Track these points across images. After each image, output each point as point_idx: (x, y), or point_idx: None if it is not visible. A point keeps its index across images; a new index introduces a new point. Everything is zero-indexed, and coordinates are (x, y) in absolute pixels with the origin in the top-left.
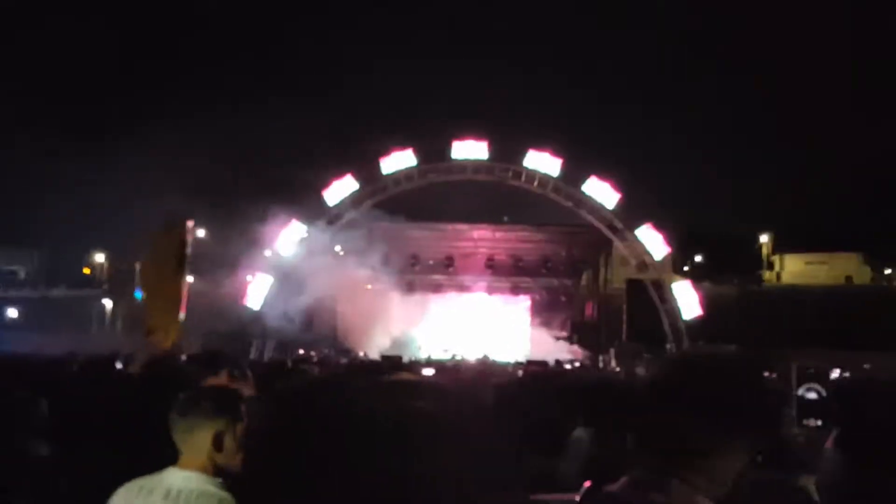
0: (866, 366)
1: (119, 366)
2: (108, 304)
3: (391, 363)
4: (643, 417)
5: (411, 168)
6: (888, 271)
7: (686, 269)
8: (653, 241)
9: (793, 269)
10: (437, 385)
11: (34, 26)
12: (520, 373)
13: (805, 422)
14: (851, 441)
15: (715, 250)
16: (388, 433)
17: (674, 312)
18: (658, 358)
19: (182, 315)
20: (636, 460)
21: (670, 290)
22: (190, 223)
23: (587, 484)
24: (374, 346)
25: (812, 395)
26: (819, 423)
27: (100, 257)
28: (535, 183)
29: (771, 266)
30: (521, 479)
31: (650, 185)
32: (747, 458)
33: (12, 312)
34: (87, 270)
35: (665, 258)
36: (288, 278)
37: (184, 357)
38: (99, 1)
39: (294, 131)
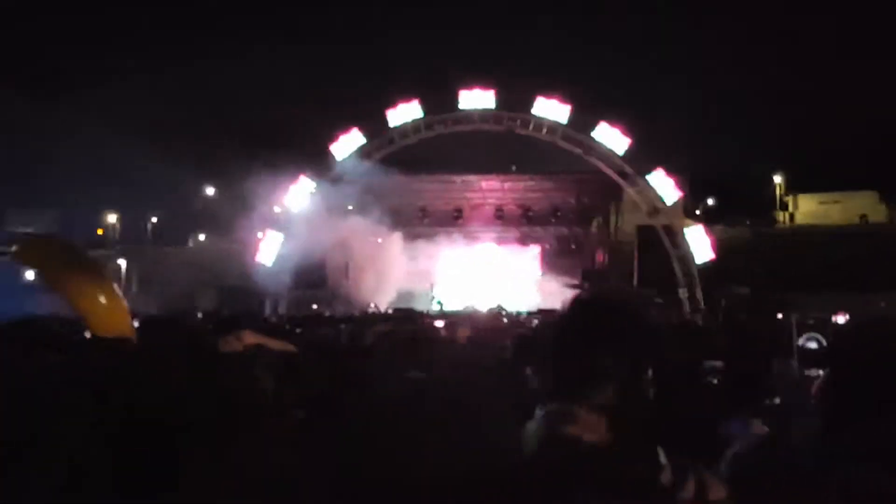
0: (882, 304)
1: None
2: (122, 263)
3: (404, 315)
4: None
5: (418, 120)
6: None
7: (697, 213)
8: (664, 187)
9: (806, 209)
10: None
11: None
12: (535, 322)
13: (807, 372)
14: (838, 384)
15: (727, 193)
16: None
17: (686, 258)
18: (668, 303)
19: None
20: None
21: (682, 235)
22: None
23: None
24: (385, 299)
25: (812, 345)
26: (820, 372)
27: (112, 217)
28: (544, 131)
29: (785, 207)
30: None
31: (660, 129)
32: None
33: (29, 274)
34: (100, 231)
35: (676, 203)
36: (298, 234)
37: (199, 314)
38: None
39: (300, 85)
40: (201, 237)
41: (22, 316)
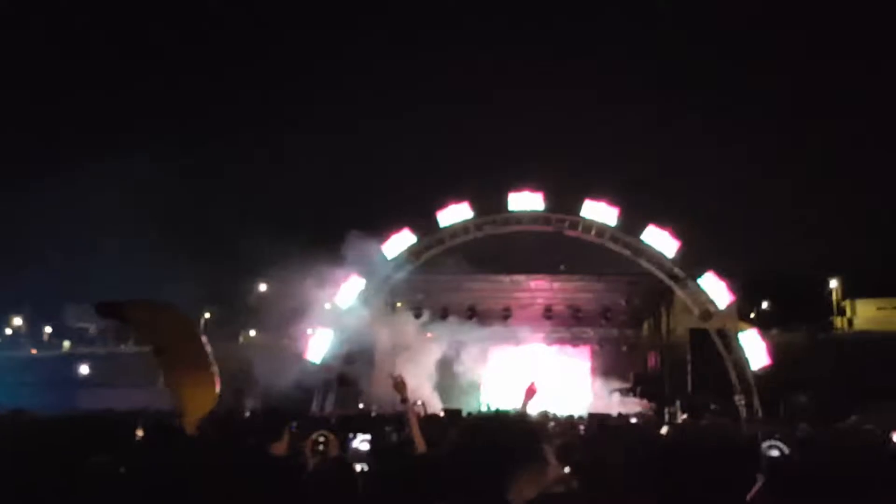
0: None
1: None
2: None
3: (452, 417)
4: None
5: (468, 221)
6: None
7: (752, 316)
8: (715, 290)
9: (865, 314)
10: None
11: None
12: (581, 428)
13: None
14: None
15: (782, 297)
16: None
17: (741, 362)
18: (724, 410)
19: (214, 399)
20: None
21: (736, 339)
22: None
23: None
24: (433, 399)
25: (774, 453)
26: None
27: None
28: (593, 232)
29: (842, 312)
30: None
31: (711, 232)
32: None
33: (84, 369)
34: None
35: (729, 306)
36: (347, 331)
37: (247, 413)
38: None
39: (351, 186)
40: (252, 333)
41: (79, 413)
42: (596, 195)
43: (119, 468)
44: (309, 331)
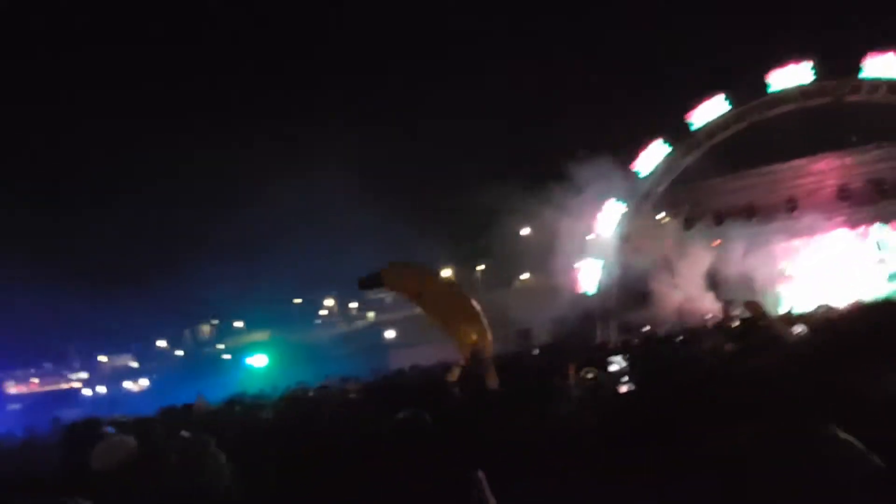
0: None
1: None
2: None
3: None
4: None
5: (726, 114)
6: None
7: None
8: None
9: None
10: None
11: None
12: None
13: None
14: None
15: None
16: None
17: None
18: None
19: (481, 332)
20: None
21: None
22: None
23: None
24: (720, 309)
25: None
26: None
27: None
28: (883, 92)
29: None
30: None
31: None
32: None
33: (389, 334)
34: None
35: None
36: (617, 257)
37: (536, 351)
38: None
39: (597, 103)
40: (524, 276)
41: (391, 373)
42: (879, 47)
43: (423, 421)
44: (578, 264)
